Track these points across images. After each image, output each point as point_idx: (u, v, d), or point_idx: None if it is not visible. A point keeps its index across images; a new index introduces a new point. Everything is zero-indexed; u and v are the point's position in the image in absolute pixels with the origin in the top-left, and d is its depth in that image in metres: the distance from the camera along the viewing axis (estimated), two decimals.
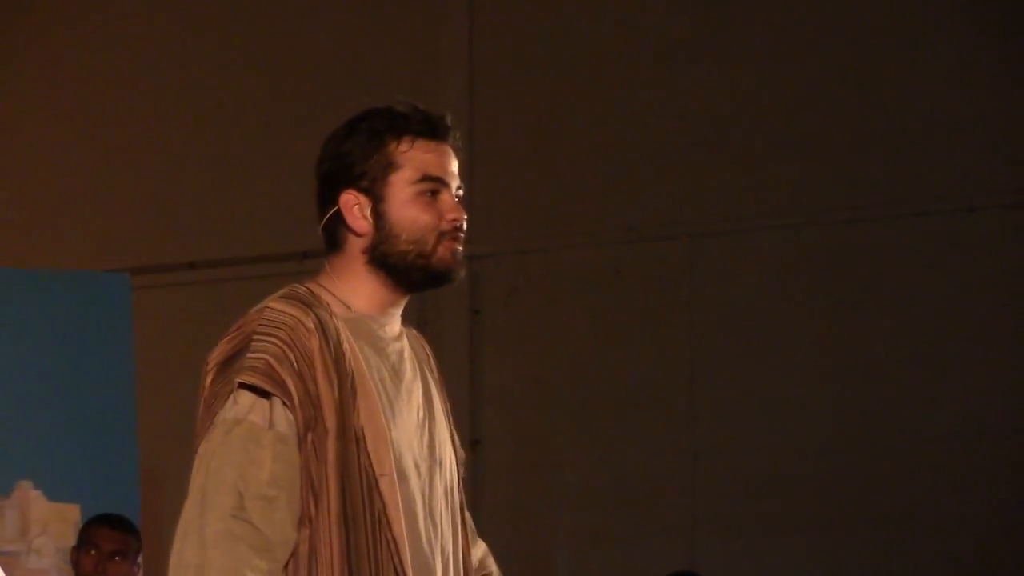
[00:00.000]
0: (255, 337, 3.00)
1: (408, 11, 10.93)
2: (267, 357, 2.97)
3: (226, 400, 2.99)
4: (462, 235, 3.14)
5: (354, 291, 3.14)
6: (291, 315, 3.02)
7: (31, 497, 7.11)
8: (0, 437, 6.93)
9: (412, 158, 3.10)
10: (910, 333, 9.30)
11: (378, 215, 3.09)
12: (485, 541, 3.50)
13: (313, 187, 3.22)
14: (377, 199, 3.09)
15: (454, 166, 3.14)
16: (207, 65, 11.33)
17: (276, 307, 3.04)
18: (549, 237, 10.22)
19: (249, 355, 2.98)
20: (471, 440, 9.23)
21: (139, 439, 7.32)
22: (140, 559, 6.04)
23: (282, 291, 3.10)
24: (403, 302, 3.19)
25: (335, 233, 3.13)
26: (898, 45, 13.03)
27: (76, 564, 6.05)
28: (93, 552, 5.96)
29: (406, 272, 3.11)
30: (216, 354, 3.04)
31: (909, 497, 8.96)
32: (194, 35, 11.28)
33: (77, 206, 14.47)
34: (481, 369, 9.86)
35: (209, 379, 3.03)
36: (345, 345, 3.05)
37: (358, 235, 3.10)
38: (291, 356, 2.98)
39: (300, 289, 3.10)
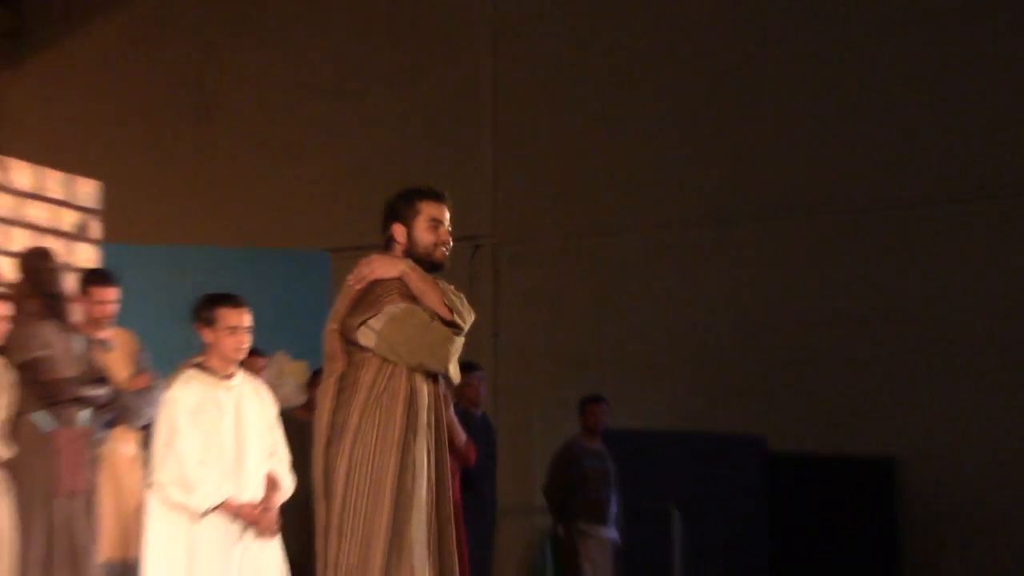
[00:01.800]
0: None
1: None
2: None
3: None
4: (448, 247, 5.95)
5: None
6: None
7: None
8: None
9: (426, 208, 5.96)
10: None
11: (410, 235, 5.95)
12: None
13: None
14: (409, 227, 5.96)
15: (447, 215, 5.97)
16: None
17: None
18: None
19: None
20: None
21: None
22: None
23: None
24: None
25: (389, 241, 6.00)
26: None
27: None
28: None
29: (420, 263, 5.90)
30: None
31: None
32: None
33: (285, 192, 15.07)
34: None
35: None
36: None
37: (399, 243, 5.98)
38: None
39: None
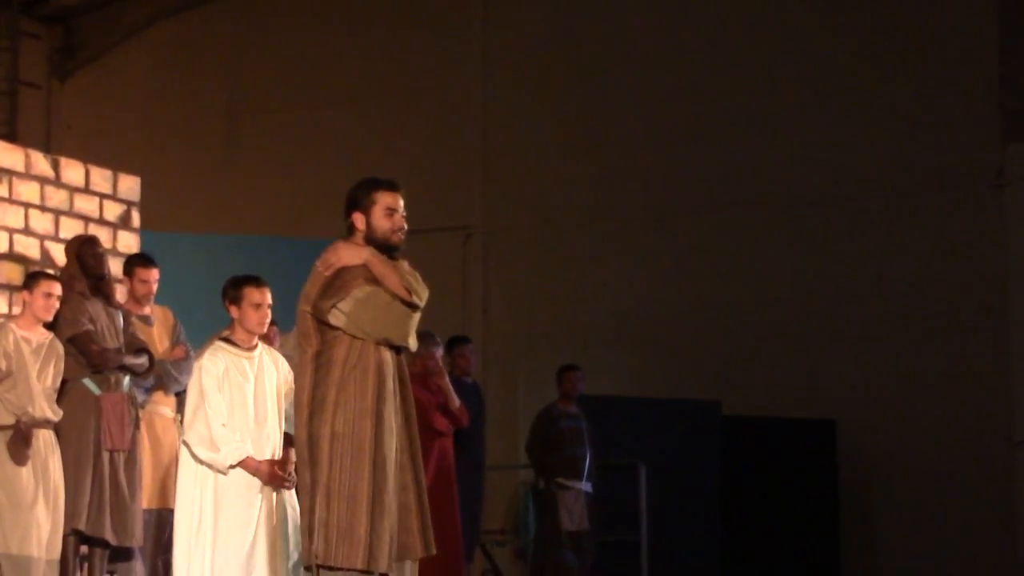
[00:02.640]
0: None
1: None
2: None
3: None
4: (403, 232, 5.91)
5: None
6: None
7: None
8: None
9: (382, 198, 5.93)
10: None
11: (368, 222, 5.93)
12: None
13: None
14: (368, 215, 5.93)
15: (401, 202, 5.93)
16: None
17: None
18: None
19: None
20: None
21: None
22: None
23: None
24: None
25: (351, 228, 5.97)
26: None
27: None
28: None
29: (379, 246, 5.90)
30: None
31: None
32: None
33: (304, 187, 15.13)
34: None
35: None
36: None
37: (359, 230, 5.97)
38: None
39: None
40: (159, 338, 8.47)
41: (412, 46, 15.67)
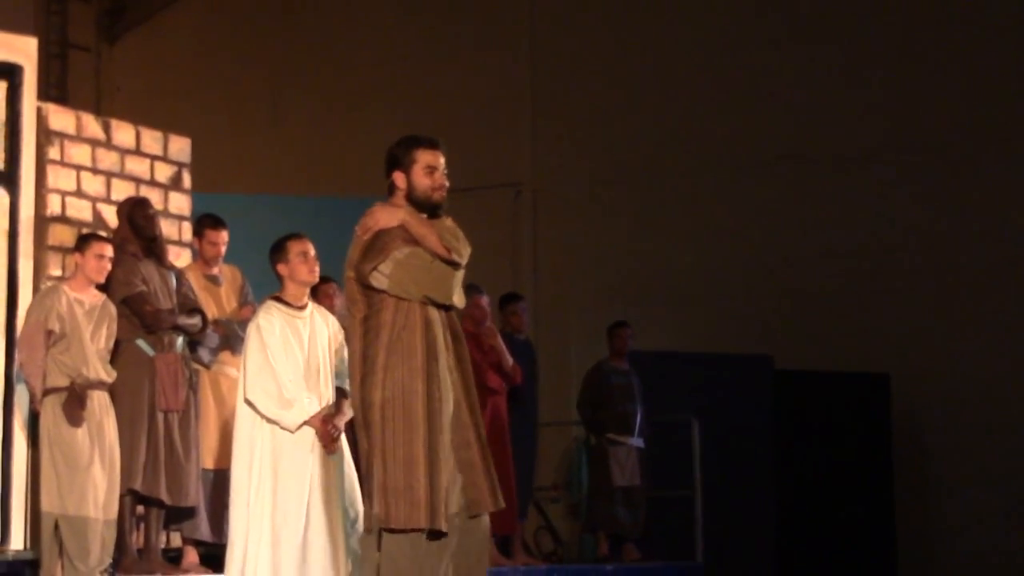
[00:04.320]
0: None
1: None
2: None
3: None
4: (444, 190, 5.82)
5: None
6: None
7: None
8: None
9: (422, 156, 5.83)
10: None
11: (409, 181, 5.84)
12: None
13: None
14: (408, 174, 5.84)
15: (441, 160, 5.83)
16: None
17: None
18: None
19: None
20: None
21: None
22: None
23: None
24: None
25: (392, 187, 5.89)
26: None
27: None
28: None
29: (420, 205, 5.84)
30: None
31: None
32: None
33: (349, 145, 15.21)
34: None
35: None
36: None
37: (400, 189, 5.88)
38: None
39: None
40: (227, 298, 8.49)
41: (460, 2, 15.63)
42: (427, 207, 5.83)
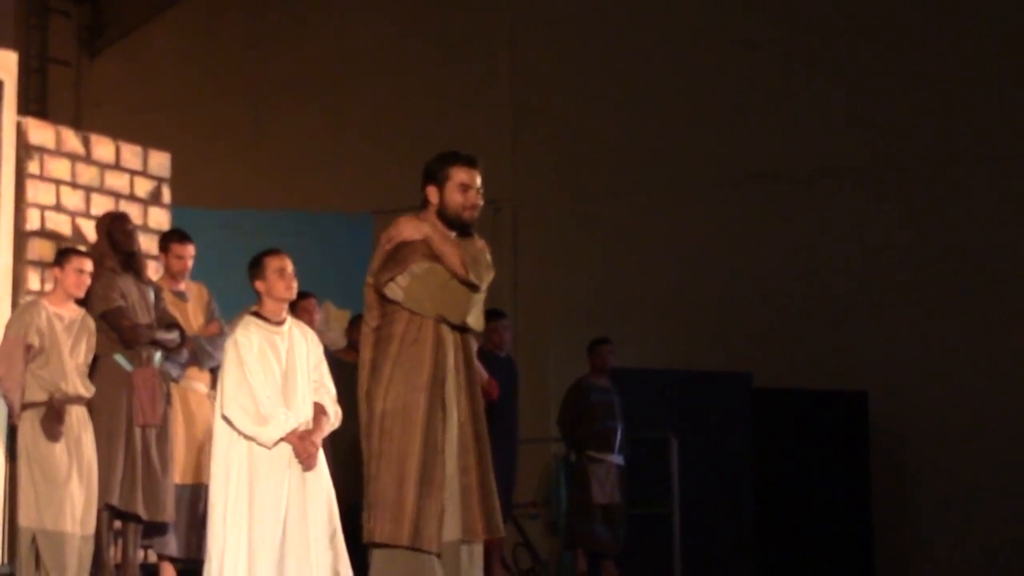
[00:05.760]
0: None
1: None
2: None
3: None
4: (476, 210, 5.75)
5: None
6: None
7: None
8: None
9: (457, 173, 5.77)
10: None
11: (441, 197, 5.77)
12: None
13: None
14: (441, 190, 5.77)
15: (478, 179, 5.79)
16: None
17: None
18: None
19: None
20: None
21: None
22: None
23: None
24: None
25: (425, 201, 5.80)
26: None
27: None
28: None
29: (450, 222, 5.77)
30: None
31: None
32: None
33: (331, 161, 15.20)
34: None
35: None
36: None
37: (432, 204, 5.80)
38: None
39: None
40: (194, 314, 8.49)
41: (440, 18, 15.65)
42: (457, 225, 5.78)
